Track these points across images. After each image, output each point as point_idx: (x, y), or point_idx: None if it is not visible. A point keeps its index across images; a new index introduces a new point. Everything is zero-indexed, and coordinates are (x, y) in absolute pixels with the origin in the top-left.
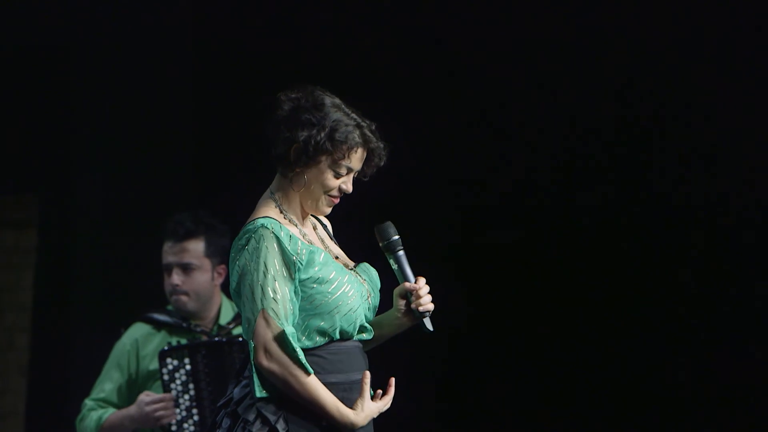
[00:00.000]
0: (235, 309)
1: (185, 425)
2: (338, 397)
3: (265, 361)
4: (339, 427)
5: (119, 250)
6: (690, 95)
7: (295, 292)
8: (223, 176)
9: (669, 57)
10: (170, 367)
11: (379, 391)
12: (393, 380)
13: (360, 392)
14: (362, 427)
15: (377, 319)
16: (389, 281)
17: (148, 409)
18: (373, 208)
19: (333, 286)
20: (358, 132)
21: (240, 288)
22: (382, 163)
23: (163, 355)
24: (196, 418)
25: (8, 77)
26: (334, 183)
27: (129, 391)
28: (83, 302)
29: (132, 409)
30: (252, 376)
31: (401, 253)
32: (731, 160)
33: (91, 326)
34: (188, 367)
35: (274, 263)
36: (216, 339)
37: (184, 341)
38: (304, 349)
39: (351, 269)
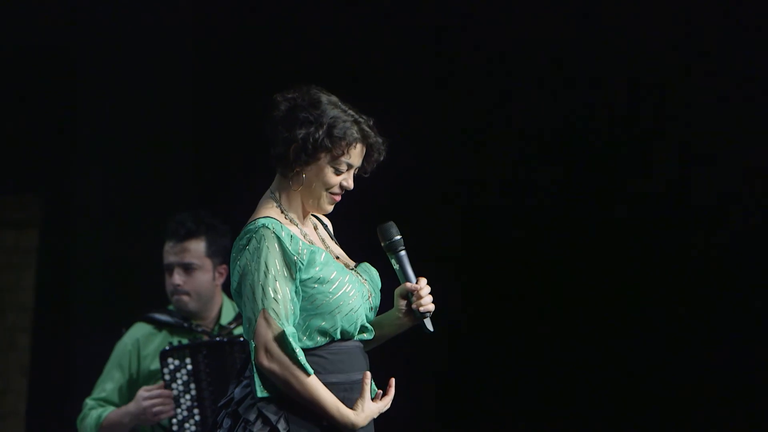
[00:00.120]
0: (236, 309)
1: (186, 425)
2: (339, 397)
3: (265, 361)
4: (339, 427)
5: (120, 250)
6: (691, 94)
7: (296, 292)
8: (223, 176)
9: (670, 57)
10: (171, 366)
11: (379, 392)
12: (393, 381)
13: (360, 392)
14: (362, 428)
15: (378, 319)
16: (390, 281)
17: (146, 404)
18: (373, 208)
19: (334, 286)
20: (356, 128)
21: (241, 288)
22: (382, 158)
23: (164, 355)
24: (197, 417)
25: (9, 77)
26: (334, 180)
27: (130, 391)
28: (84, 302)
29: (131, 406)
30: (253, 376)
31: (403, 253)
32: (731, 160)
33: (92, 326)
34: (189, 367)
35: (275, 263)
36: (217, 339)
37: (185, 341)
38: (305, 349)
39: (352, 269)
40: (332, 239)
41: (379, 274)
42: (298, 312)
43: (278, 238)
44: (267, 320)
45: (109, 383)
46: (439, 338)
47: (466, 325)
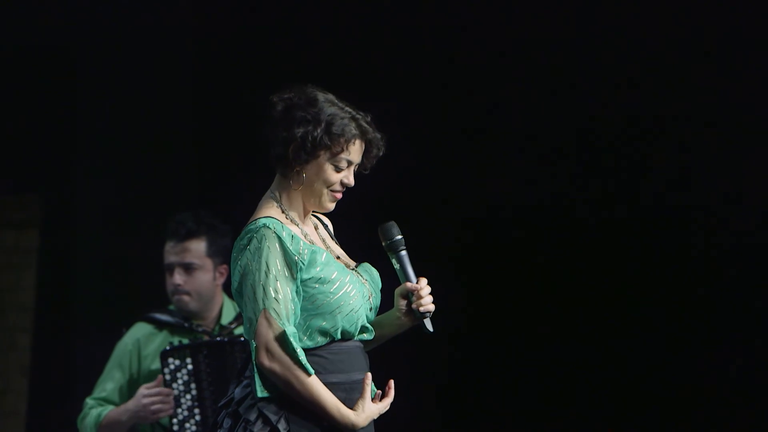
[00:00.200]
0: (237, 309)
1: (187, 425)
2: (339, 397)
3: (266, 361)
4: (340, 427)
5: (121, 250)
6: (690, 94)
7: (296, 291)
8: (223, 176)
9: (670, 57)
10: (172, 366)
11: (379, 392)
12: (392, 382)
13: (361, 393)
14: (363, 428)
15: (378, 319)
16: (390, 281)
17: (146, 401)
18: (373, 208)
19: (335, 286)
20: (354, 124)
21: (242, 288)
22: (381, 153)
23: (164, 355)
24: (197, 417)
25: (9, 77)
26: (335, 177)
27: (130, 391)
28: (85, 302)
29: (130, 403)
30: (253, 376)
31: (404, 253)
32: (731, 161)
33: (92, 326)
34: (190, 366)
35: (275, 263)
36: (218, 339)
37: (185, 341)
38: (305, 349)
39: (352, 269)
40: (333, 239)
41: (380, 274)
42: (299, 312)
43: (279, 238)
44: (268, 320)
45: (109, 383)
46: (440, 338)
47: (466, 325)
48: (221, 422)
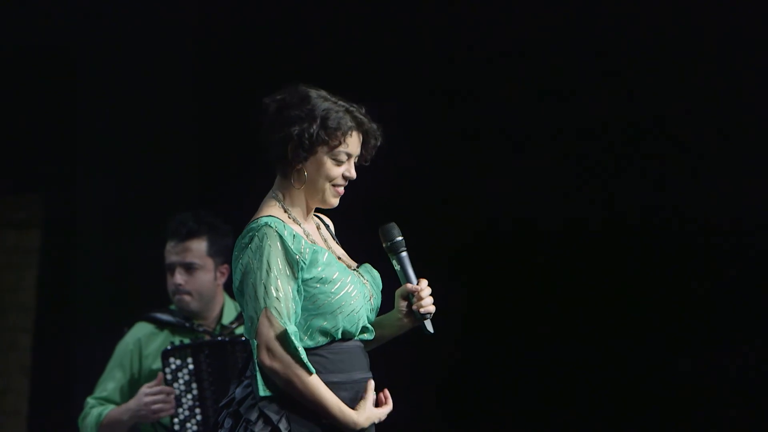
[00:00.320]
0: (238, 308)
1: (188, 425)
2: (340, 396)
3: (267, 360)
4: (341, 426)
5: (122, 250)
6: (691, 96)
7: (297, 291)
8: (224, 176)
9: (671, 57)
10: (173, 366)
11: (381, 397)
12: (387, 391)
13: (364, 394)
14: (363, 430)
15: (378, 319)
16: (390, 283)
17: (147, 399)
18: (373, 208)
19: (336, 287)
20: (349, 116)
21: (243, 286)
22: (380, 143)
23: (165, 355)
24: (198, 417)
25: (11, 77)
26: (336, 172)
27: (131, 391)
28: (86, 302)
29: (131, 402)
30: (255, 375)
31: (404, 254)
32: (731, 161)
33: (93, 326)
34: (191, 366)
35: (277, 262)
36: (219, 339)
37: (186, 341)
38: (306, 349)
39: (354, 270)
40: (334, 240)
41: (380, 275)
42: (299, 311)
43: (280, 237)
44: (269, 319)
45: (110, 382)
46: (440, 338)
47: (466, 325)
48: (222, 422)
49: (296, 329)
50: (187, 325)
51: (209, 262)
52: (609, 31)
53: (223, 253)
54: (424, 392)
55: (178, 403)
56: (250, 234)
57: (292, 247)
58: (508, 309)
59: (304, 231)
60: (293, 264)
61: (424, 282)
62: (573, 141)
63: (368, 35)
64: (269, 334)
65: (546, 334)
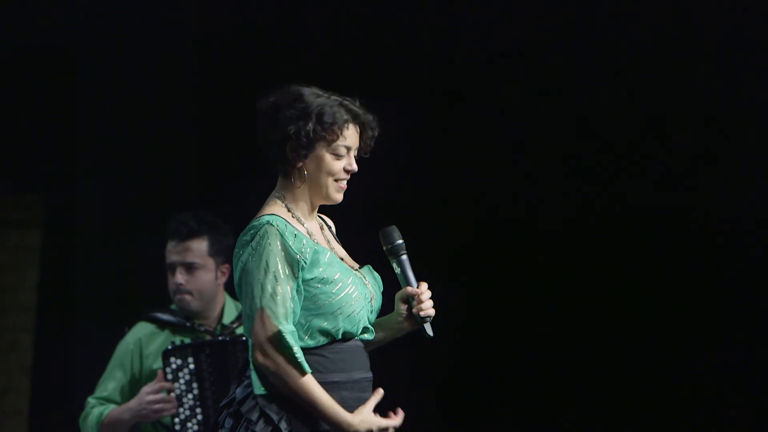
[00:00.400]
0: (239, 308)
1: (189, 425)
2: (341, 396)
3: (260, 359)
4: (335, 427)
5: (123, 250)
6: (691, 95)
7: (297, 290)
8: (224, 176)
9: (671, 57)
10: (174, 366)
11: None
12: (401, 412)
13: (366, 401)
14: None
15: (377, 321)
16: (390, 285)
17: (149, 398)
18: (373, 208)
19: (337, 287)
20: (344, 110)
21: (241, 284)
22: (377, 134)
23: (166, 355)
24: (199, 417)
25: (11, 77)
26: (337, 166)
27: (132, 390)
28: (86, 302)
29: (132, 402)
30: (250, 373)
31: (404, 257)
32: (731, 161)
33: (94, 326)
34: (192, 366)
35: (275, 261)
36: (220, 338)
37: (187, 340)
38: (306, 349)
39: (356, 270)
40: (336, 240)
41: (383, 282)
42: (298, 310)
43: (281, 236)
44: (264, 318)
45: (111, 382)
46: (440, 338)
47: (466, 325)
48: (222, 422)
49: (293, 329)
50: (188, 324)
51: (210, 262)
52: (609, 31)
53: (223, 253)
54: (424, 392)
55: (179, 403)
56: (252, 232)
57: (292, 247)
58: (508, 309)
59: (308, 231)
60: (293, 263)
61: (424, 285)
62: (573, 141)
63: (368, 35)
64: (264, 333)
65: (546, 334)
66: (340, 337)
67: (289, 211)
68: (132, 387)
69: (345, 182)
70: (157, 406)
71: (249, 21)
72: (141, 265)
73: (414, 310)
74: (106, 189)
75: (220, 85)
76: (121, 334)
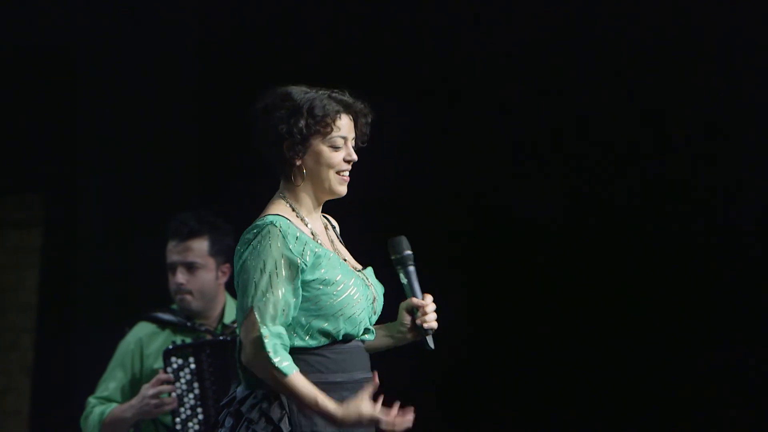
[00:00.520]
0: None
1: (190, 424)
2: (342, 396)
3: (243, 358)
4: (330, 421)
5: (123, 250)
6: (692, 95)
7: (294, 292)
8: (225, 176)
9: (671, 57)
10: (174, 366)
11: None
12: (409, 411)
13: (359, 395)
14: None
15: (377, 328)
16: (390, 288)
17: (151, 392)
18: (373, 208)
19: (339, 289)
20: (333, 101)
21: (239, 281)
22: (371, 119)
23: (167, 354)
24: (200, 417)
25: (11, 77)
26: (336, 158)
27: (132, 390)
28: (87, 302)
29: (134, 400)
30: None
31: (412, 268)
32: (732, 160)
33: (94, 326)
34: (193, 366)
35: (273, 262)
36: (220, 338)
37: (188, 340)
38: (307, 349)
39: (359, 272)
40: (340, 241)
41: (382, 284)
42: (293, 312)
43: (283, 237)
44: (251, 318)
45: (112, 382)
46: (440, 338)
47: (466, 325)
48: (223, 421)
49: (280, 331)
50: (189, 324)
51: (211, 262)
52: (609, 31)
53: (224, 253)
54: (424, 392)
55: (180, 403)
56: (255, 230)
57: (293, 249)
58: (508, 309)
59: (311, 231)
60: (292, 266)
61: (429, 298)
62: (573, 141)
63: (368, 35)
64: (249, 333)
65: (546, 334)
66: (341, 338)
67: (293, 210)
68: (133, 387)
69: (347, 173)
70: (158, 401)
71: (249, 21)
72: (141, 265)
73: (418, 322)
74: (106, 189)
75: (220, 85)
76: (122, 334)
